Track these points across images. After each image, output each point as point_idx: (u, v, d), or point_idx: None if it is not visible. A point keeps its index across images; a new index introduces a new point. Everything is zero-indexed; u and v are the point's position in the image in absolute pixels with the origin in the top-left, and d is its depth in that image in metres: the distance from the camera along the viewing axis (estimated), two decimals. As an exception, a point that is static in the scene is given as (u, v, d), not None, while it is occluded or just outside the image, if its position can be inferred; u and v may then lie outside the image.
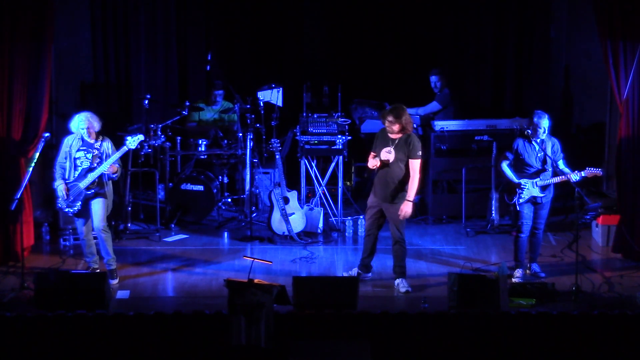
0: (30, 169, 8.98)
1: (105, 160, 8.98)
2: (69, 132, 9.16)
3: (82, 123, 9.01)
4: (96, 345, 7.78)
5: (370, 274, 9.25)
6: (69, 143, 9.08)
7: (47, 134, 9.24)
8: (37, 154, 9.06)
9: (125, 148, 9.05)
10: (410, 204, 8.91)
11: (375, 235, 9.15)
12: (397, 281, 9.01)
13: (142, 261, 9.82)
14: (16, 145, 9.55)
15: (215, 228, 11.12)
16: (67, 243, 10.37)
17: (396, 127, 8.90)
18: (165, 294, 9.10)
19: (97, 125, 9.07)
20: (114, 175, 9.08)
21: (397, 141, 8.94)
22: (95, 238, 9.31)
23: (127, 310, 8.05)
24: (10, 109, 9.48)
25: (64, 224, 10.51)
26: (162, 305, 8.49)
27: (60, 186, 9.04)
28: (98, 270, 9.13)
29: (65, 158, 9.07)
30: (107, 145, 9.09)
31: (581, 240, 9.54)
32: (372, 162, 9.03)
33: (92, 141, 9.05)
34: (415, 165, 8.91)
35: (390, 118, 8.89)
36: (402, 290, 8.92)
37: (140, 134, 9.42)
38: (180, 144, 11.46)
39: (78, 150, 9.04)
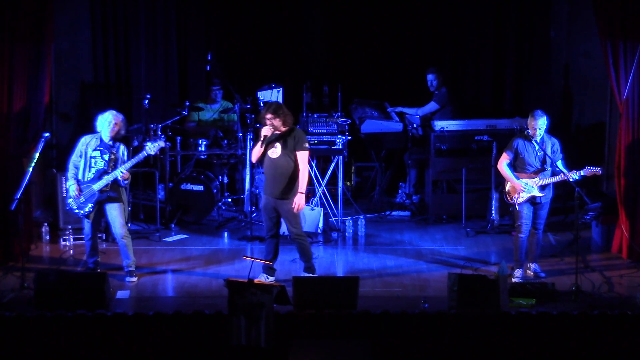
0: (30, 169, 8.98)
1: (120, 164, 8.98)
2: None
3: (111, 118, 8.94)
4: (96, 345, 7.78)
5: (274, 277, 9.13)
6: (86, 142, 9.06)
7: (47, 134, 9.22)
8: (37, 154, 9.05)
9: (144, 153, 9.03)
10: (303, 196, 8.98)
11: (278, 234, 9.15)
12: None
13: (142, 261, 9.80)
14: (16, 145, 9.55)
15: (215, 228, 11.12)
16: (67, 243, 10.37)
17: (277, 122, 8.91)
18: (165, 294, 9.09)
19: (122, 127, 9.05)
20: (124, 182, 9.05)
21: (280, 136, 8.97)
22: (99, 238, 9.35)
23: (127, 310, 8.06)
24: (10, 109, 9.48)
25: (64, 224, 10.52)
26: (162, 305, 8.49)
27: (72, 186, 9.02)
28: (98, 271, 9.14)
29: (80, 156, 9.04)
30: (123, 149, 9.07)
31: (581, 240, 9.53)
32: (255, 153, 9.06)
33: (110, 143, 9.03)
34: (303, 157, 8.98)
35: (268, 115, 8.91)
36: None
37: (160, 140, 9.43)
38: (180, 144, 11.46)
39: (94, 149, 9.01)
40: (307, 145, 9.03)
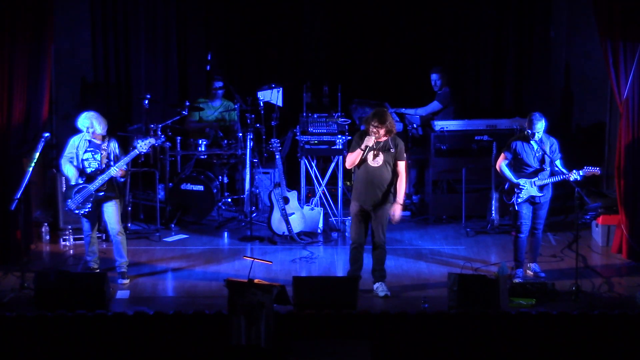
0: (30, 169, 8.97)
1: (113, 161, 8.98)
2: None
3: (84, 122, 9.00)
4: (96, 345, 7.78)
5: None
6: (76, 144, 9.06)
7: (47, 134, 9.21)
8: (37, 154, 9.04)
9: (135, 152, 9.04)
10: (401, 206, 8.89)
11: (364, 244, 8.99)
12: (377, 285, 8.91)
13: (142, 261, 9.82)
14: (16, 145, 9.55)
15: (215, 228, 11.12)
16: (67, 243, 10.37)
17: (382, 132, 8.78)
18: (165, 294, 9.10)
19: (100, 128, 9.00)
20: (121, 179, 9.09)
21: (382, 144, 8.86)
22: (99, 238, 9.35)
23: (127, 310, 8.06)
24: (10, 109, 9.48)
25: (64, 224, 10.52)
26: (162, 305, 8.49)
27: (70, 170, 8.95)
28: (98, 270, 9.14)
29: (72, 158, 9.05)
30: (114, 145, 9.08)
31: (581, 240, 9.54)
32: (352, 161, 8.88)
33: (98, 142, 9.04)
34: (403, 167, 8.90)
35: (375, 123, 8.76)
36: (382, 294, 8.81)
37: (150, 137, 9.42)
38: (180, 144, 11.46)
39: (85, 151, 9.02)
40: (405, 155, 8.96)
